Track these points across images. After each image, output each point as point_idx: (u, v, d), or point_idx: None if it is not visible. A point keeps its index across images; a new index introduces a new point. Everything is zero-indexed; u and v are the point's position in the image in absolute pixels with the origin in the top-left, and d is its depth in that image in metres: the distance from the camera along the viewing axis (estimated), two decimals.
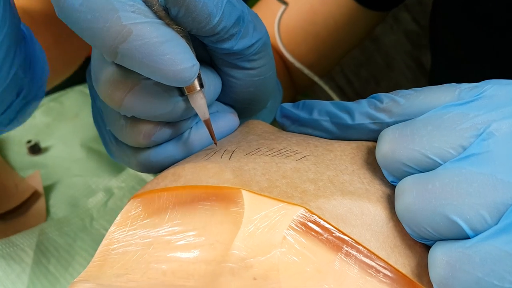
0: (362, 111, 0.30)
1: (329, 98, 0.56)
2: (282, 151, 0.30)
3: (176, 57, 0.26)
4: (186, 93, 0.29)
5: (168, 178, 0.29)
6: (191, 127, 0.33)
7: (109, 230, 0.29)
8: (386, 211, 0.27)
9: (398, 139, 0.26)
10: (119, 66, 0.29)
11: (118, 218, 0.29)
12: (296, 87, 0.64)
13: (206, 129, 0.32)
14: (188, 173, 0.28)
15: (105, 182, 0.52)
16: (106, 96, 0.29)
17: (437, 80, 0.60)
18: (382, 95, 0.30)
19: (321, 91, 0.54)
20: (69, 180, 0.53)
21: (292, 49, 0.59)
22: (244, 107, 0.35)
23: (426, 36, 0.89)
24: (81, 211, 0.48)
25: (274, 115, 0.43)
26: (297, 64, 0.54)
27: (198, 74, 0.29)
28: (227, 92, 0.33)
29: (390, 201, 0.27)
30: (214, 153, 0.30)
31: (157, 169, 0.33)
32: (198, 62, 0.27)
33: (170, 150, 0.32)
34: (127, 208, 0.29)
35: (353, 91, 0.89)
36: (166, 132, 0.31)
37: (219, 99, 0.34)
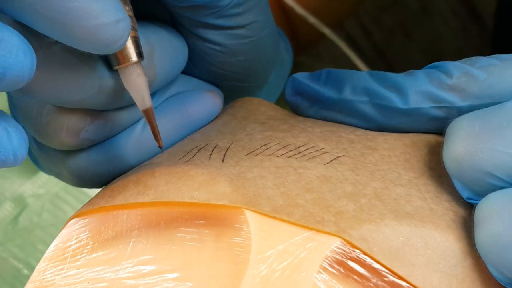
0: (420, 89, 0.26)
1: (340, 61, 0.47)
2: (302, 149, 0.26)
3: (90, 6, 0.20)
4: (115, 66, 0.24)
5: (128, 189, 0.24)
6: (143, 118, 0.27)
7: (37, 267, 0.24)
8: (460, 242, 0.23)
9: (479, 135, 0.23)
10: (17, 27, 0.23)
11: (51, 248, 0.24)
12: (298, 44, 0.58)
13: (171, 116, 0.27)
14: (161, 182, 0.24)
15: (14, 187, 0.43)
16: None
17: (504, 35, 0.52)
18: (450, 65, 0.25)
19: (326, 50, 0.46)
20: None
21: None
22: (235, 85, 0.30)
23: None
24: None
25: (280, 90, 0.39)
26: (299, 9, 0.47)
27: (136, 39, 0.24)
28: (207, 66, 0.28)
29: (466, 228, 0.24)
30: (199, 150, 0.26)
31: (100, 181, 0.28)
32: (128, 17, 0.22)
33: (114, 150, 0.27)
34: (65, 233, 0.24)
35: (372, 47, 0.78)
36: (100, 126, 0.26)
37: (198, 77, 0.29)
